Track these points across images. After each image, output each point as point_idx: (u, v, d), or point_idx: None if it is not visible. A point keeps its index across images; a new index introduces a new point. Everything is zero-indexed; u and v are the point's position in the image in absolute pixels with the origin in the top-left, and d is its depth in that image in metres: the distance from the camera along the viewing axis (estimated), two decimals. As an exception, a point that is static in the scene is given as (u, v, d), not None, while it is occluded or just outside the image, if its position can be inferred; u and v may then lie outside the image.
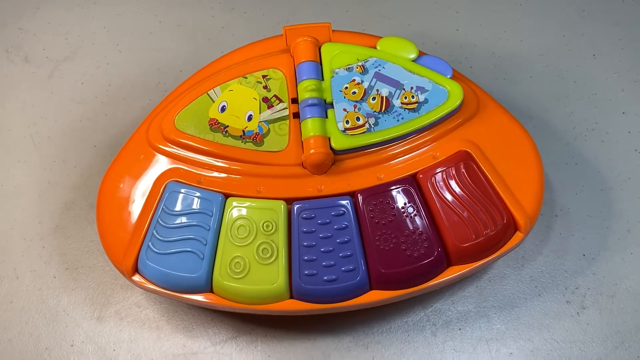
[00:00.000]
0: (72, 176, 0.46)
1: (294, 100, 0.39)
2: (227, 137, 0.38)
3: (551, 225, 0.43)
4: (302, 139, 0.38)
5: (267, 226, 0.36)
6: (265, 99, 0.39)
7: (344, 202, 0.37)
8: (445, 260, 0.36)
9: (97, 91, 0.50)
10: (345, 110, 0.38)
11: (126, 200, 0.38)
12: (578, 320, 0.40)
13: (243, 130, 0.38)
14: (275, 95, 0.39)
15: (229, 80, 0.40)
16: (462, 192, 0.37)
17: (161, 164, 0.39)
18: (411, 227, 0.36)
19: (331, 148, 0.37)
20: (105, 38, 0.53)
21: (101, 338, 0.40)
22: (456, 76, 0.40)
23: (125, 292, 0.42)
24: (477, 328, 0.40)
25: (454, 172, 0.37)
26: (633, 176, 0.45)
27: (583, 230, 0.43)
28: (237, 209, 0.37)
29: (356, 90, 0.39)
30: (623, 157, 0.46)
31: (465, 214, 0.37)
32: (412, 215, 0.37)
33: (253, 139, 0.38)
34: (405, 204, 0.37)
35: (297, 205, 0.37)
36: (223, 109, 0.39)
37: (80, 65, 0.51)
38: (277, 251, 0.36)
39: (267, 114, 0.39)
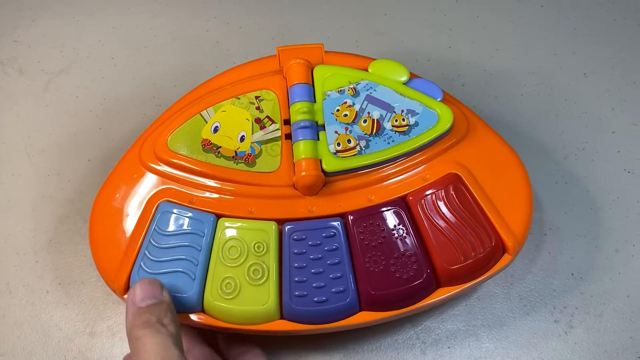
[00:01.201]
0: (66, 190, 0.46)
1: (287, 122, 0.40)
2: (220, 157, 0.39)
3: (540, 244, 0.44)
4: (294, 161, 0.38)
5: (258, 247, 0.37)
6: (258, 120, 0.40)
7: (334, 224, 0.37)
8: (434, 282, 0.37)
9: (92, 105, 0.50)
10: (336, 132, 0.39)
11: (119, 220, 0.38)
12: (566, 340, 0.41)
13: (235, 151, 0.39)
14: (267, 116, 0.40)
15: (222, 101, 0.40)
16: (451, 215, 0.37)
17: (154, 184, 0.39)
18: (401, 249, 0.37)
19: (322, 170, 0.38)
20: (100, 51, 0.53)
21: (93, 353, 0.41)
22: (447, 99, 0.41)
23: (117, 308, 0.42)
24: (466, 346, 0.41)
25: (443, 194, 0.38)
26: (622, 195, 0.46)
27: (572, 249, 0.44)
28: (228, 230, 0.37)
29: (347, 113, 0.39)
30: (612, 176, 0.46)
31: (454, 236, 0.37)
32: (401, 237, 0.37)
33: (245, 160, 0.39)
34: (395, 225, 0.37)
35: (288, 227, 0.37)
36: (216, 130, 0.39)
37: (75, 79, 0.51)
38: (268, 272, 0.36)
39: (260, 134, 0.39)
